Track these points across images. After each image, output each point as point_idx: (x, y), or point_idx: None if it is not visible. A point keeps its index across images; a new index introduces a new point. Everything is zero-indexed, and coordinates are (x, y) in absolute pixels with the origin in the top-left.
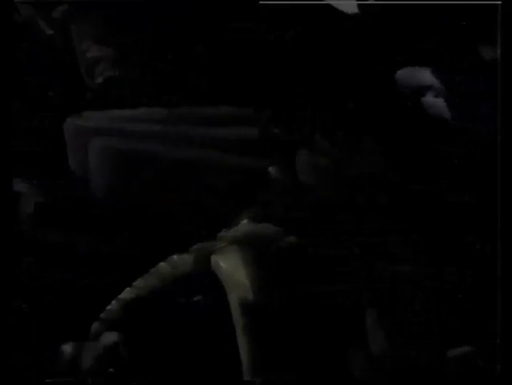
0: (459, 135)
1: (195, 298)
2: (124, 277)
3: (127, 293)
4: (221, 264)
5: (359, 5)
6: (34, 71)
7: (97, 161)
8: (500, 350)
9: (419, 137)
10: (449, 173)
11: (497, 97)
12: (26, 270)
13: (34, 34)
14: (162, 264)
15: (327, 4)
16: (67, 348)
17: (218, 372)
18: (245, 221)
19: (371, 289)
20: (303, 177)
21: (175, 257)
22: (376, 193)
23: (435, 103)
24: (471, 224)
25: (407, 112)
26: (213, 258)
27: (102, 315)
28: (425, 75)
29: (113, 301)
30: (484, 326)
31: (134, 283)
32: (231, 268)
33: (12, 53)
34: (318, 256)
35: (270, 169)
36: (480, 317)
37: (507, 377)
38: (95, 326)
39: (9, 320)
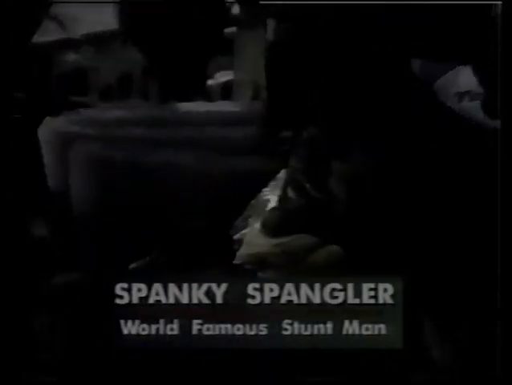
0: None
1: None
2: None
3: None
4: None
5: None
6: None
7: (80, 169)
8: (500, 350)
9: (419, 137)
10: (448, 173)
11: (497, 97)
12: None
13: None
14: None
15: (324, 4)
16: None
17: None
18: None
19: None
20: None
21: None
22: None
23: (472, 107)
24: (471, 222)
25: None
26: None
27: None
28: (463, 80)
29: None
30: (484, 325)
31: None
32: None
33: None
34: None
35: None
36: (480, 317)
37: (507, 377)
38: None
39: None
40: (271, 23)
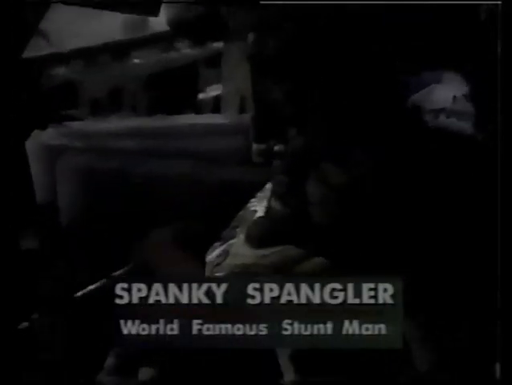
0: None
1: None
2: None
3: None
4: None
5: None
6: None
7: (67, 182)
8: (500, 350)
9: (415, 139)
10: (447, 172)
11: (497, 97)
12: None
13: None
14: None
15: (323, 4)
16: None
17: None
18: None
19: None
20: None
21: None
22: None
23: (450, 123)
24: (471, 222)
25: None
26: None
27: None
28: (438, 97)
29: None
30: (484, 325)
31: None
32: None
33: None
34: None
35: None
36: (480, 317)
37: (507, 377)
38: None
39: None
40: (257, 35)
